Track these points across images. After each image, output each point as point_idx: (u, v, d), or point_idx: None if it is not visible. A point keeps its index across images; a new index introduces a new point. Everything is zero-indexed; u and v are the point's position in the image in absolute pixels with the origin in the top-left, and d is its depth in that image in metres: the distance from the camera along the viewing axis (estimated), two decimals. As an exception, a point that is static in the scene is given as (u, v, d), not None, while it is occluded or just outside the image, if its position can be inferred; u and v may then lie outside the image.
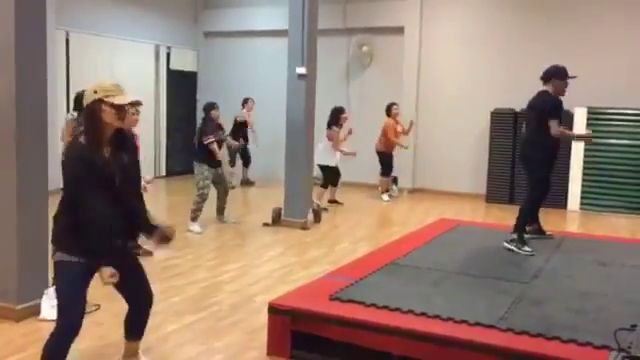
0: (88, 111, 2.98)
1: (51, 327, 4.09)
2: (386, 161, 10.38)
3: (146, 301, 3.33)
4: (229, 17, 12.87)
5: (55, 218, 3.08)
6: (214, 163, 7.52)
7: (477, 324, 3.49)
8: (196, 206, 7.41)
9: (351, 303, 3.85)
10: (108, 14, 10.99)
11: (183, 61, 12.97)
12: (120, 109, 2.97)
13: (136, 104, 3.16)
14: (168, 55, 12.51)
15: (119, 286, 3.18)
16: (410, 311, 3.68)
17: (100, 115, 2.94)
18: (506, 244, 5.55)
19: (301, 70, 7.78)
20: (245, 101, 11.37)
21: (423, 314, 3.64)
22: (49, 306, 4.30)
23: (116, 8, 11.19)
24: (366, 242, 7.14)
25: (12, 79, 4.21)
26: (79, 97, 6.01)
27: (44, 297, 4.34)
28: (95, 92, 2.95)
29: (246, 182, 11.63)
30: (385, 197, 10.35)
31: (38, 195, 4.42)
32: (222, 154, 7.88)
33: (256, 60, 12.67)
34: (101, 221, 2.91)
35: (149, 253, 6.09)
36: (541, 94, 5.64)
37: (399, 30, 11.40)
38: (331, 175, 9.52)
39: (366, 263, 4.96)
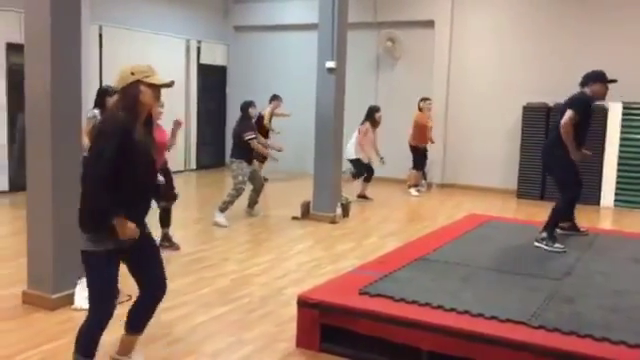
0: (126, 92, 3.01)
1: (83, 316, 4.20)
2: (419, 155, 10.33)
3: (158, 288, 3.24)
4: (259, 11, 12.91)
5: (82, 196, 3.06)
6: (251, 159, 7.60)
7: (508, 320, 3.45)
8: (230, 199, 7.43)
9: (380, 297, 3.84)
10: (140, 9, 11.13)
11: (213, 55, 13.06)
12: (156, 89, 3.04)
13: (170, 85, 3.17)
14: (198, 49, 12.61)
15: (134, 269, 3.19)
16: (440, 306, 3.66)
17: (138, 95, 2.99)
18: (536, 243, 5.43)
19: (331, 64, 7.76)
20: (273, 98, 11.27)
21: (453, 309, 3.61)
22: (82, 296, 4.39)
23: (148, 3, 11.31)
24: (395, 237, 7.11)
25: (48, 73, 4.29)
26: (101, 93, 6.13)
27: (78, 287, 4.42)
28: (132, 73, 3.00)
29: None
30: (413, 191, 10.29)
31: (73, 186, 4.49)
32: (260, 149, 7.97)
33: (285, 54, 12.70)
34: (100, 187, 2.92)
35: (177, 248, 6.16)
36: (576, 93, 5.51)
37: (429, 24, 11.30)
38: (362, 169, 9.52)
39: (395, 258, 4.95)
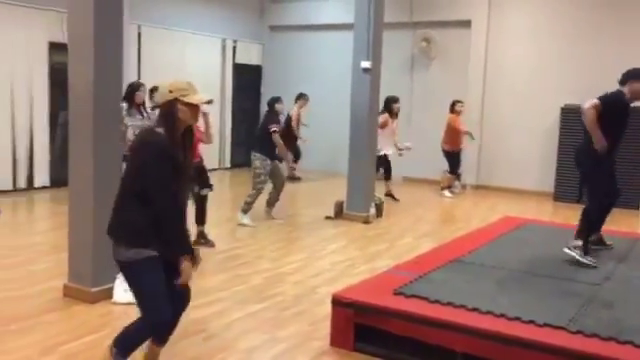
0: (164, 109, 3.03)
1: (123, 310, 4.31)
2: (453, 160, 10.22)
3: (184, 303, 3.23)
4: (294, 11, 12.97)
5: (124, 209, 3.02)
6: (271, 154, 7.42)
7: (546, 325, 3.41)
8: (251, 199, 7.34)
9: (415, 298, 3.83)
10: (178, 9, 11.29)
11: (248, 55, 13.17)
12: (194, 108, 3.03)
13: (209, 103, 3.17)
14: (234, 49, 12.73)
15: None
16: (475, 309, 3.64)
17: (175, 113, 2.99)
18: (567, 250, 4.99)
19: (366, 64, 7.76)
20: (299, 97, 11.31)
21: (489, 312, 3.58)
22: (121, 290, 4.48)
23: (185, 3, 11.47)
24: (429, 238, 7.07)
25: (91, 73, 4.39)
26: (130, 87, 6.27)
27: (117, 281, 4.51)
28: (170, 91, 2.99)
29: (291, 177, 11.20)
30: (447, 193, 10.22)
31: (113, 182, 4.58)
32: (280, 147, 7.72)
33: (320, 54, 12.73)
34: (174, 212, 2.97)
35: (212, 245, 6.23)
36: (612, 92, 5.16)
37: (466, 24, 11.19)
38: (379, 164, 9.28)
39: (430, 259, 4.93)
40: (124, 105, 5.90)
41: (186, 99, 2.99)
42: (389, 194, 9.57)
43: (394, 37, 10.99)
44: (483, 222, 7.50)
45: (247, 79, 13.18)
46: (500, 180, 11.04)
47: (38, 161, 9.17)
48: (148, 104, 6.50)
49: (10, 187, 8.82)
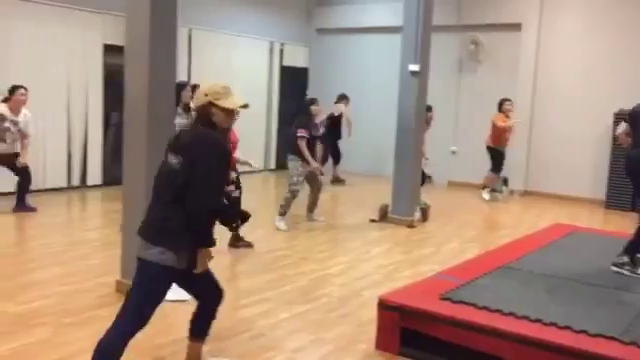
0: (199, 112, 3.07)
1: (171, 306, 4.41)
2: (496, 158, 10.06)
3: (218, 297, 3.30)
4: (341, 14, 13.00)
5: (164, 208, 3.00)
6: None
7: (598, 335, 3.33)
8: (285, 202, 7.27)
9: (462, 304, 3.80)
10: (227, 12, 11.46)
11: (295, 57, 13.27)
12: (229, 112, 3.07)
13: (244, 107, 3.18)
14: (281, 51, 12.85)
15: (188, 284, 3.21)
16: (525, 317, 3.58)
17: (210, 117, 3.03)
18: (615, 268, 4.84)
19: (414, 67, 7.73)
20: (342, 97, 11.30)
21: (538, 320, 3.53)
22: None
23: (235, 6, 11.64)
24: (475, 243, 6.99)
25: (146, 75, 4.51)
26: (177, 87, 6.38)
27: (167, 278, 4.62)
28: (206, 95, 3.03)
29: (336, 180, 11.26)
30: (485, 195, 10.03)
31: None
32: (316, 152, 7.70)
33: (366, 57, 12.72)
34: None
35: (250, 245, 6.28)
36: None
37: (516, 27, 11.01)
38: None
39: (477, 265, 4.88)
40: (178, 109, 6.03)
41: (220, 103, 3.02)
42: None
43: (442, 40, 10.89)
44: (531, 229, 7.37)
45: (293, 81, 13.27)
46: (549, 186, 10.80)
47: (91, 160, 9.45)
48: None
49: (65, 184, 9.11)
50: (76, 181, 9.29)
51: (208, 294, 3.29)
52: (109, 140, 9.78)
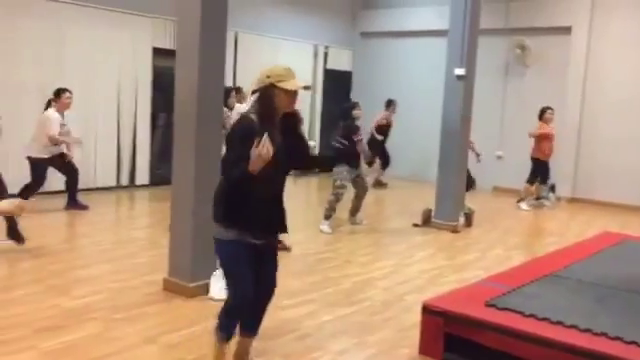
0: (260, 95, 3.10)
1: (219, 306, 4.48)
2: (539, 169, 9.83)
3: (267, 293, 3.31)
4: (386, 17, 12.98)
5: (217, 188, 3.22)
6: (354, 163, 7.40)
7: (650, 347, 3.25)
8: (329, 205, 7.30)
9: (508, 311, 3.75)
10: (272, 15, 11.58)
11: (339, 60, 13.31)
12: (290, 94, 3.09)
13: (306, 89, 3.23)
14: (325, 54, 12.91)
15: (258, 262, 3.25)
16: (573, 326, 3.51)
17: (272, 98, 3.06)
18: None
19: (460, 71, 7.66)
20: (389, 103, 11.33)
21: (588, 330, 3.45)
22: (217, 287, 4.66)
23: (280, 10, 11.75)
24: (521, 250, 6.88)
25: (195, 77, 4.60)
26: (225, 92, 6.48)
27: (213, 278, 4.70)
28: (268, 77, 3.06)
29: (378, 184, 11.22)
30: (523, 206, 9.75)
31: (213, 182, 4.77)
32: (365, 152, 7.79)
33: (411, 61, 12.66)
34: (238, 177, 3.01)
35: (287, 249, 6.28)
36: None
37: (565, 30, 10.80)
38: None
39: (523, 272, 4.80)
40: (225, 110, 6.12)
41: (281, 84, 3.05)
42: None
43: (488, 43, 10.75)
44: (579, 237, 7.21)
45: (337, 84, 13.31)
46: (598, 193, 10.54)
47: (139, 160, 9.68)
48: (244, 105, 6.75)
49: (114, 184, 9.36)
50: (125, 181, 9.52)
51: (267, 282, 3.29)
52: (156, 141, 10.00)
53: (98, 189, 9.00)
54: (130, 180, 9.60)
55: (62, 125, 7.49)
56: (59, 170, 7.72)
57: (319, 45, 12.72)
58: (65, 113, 7.57)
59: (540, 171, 9.83)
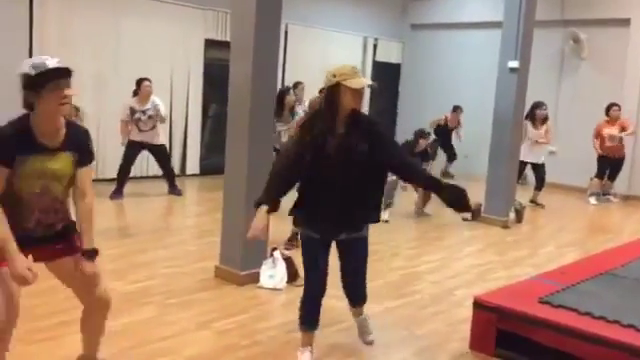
0: (327, 93, 3.18)
1: (268, 294, 4.57)
2: (600, 164, 9.61)
3: (347, 285, 3.60)
4: (437, 9, 12.80)
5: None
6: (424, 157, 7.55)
7: None
8: (386, 194, 7.39)
9: (562, 309, 3.68)
10: (322, 7, 11.58)
11: (388, 53, 13.22)
12: (356, 92, 3.13)
13: (371, 86, 3.28)
14: (375, 47, 12.84)
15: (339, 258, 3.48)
16: (631, 325, 3.42)
17: (338, 97, 3.11)
18: None
19: (513, 64, 7.51)
20: (456, 108, 11.34)
21: (646, 330, 3.37)
22: (267, 275, 4.74)
23: (329, 1, 11.74)
24: (574, 247, 6.73)
25: (249, 69, 4.65)
26: (280, 93, 6.54)
27: (263, 267, 4.77)
28: (334, 76, 3.12)
29: (446, 174, 11.35)
30: (592, 200, 9.64)
31: (265, 172, 4.82)
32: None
33: (462, 53, 12.45)
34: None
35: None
36: None
37: (624, 22, 10.44)
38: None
39: (577, 269, 4.69)
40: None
41: (347, 83, 3.09)
42: (533, 201, 9.21)
43: (542, 35, 10.48)
44: (635, 235, 7.01)
45: (386, 77, 13.22)
46: (655, 191, 10.20)
47: (190, 150, 9.85)
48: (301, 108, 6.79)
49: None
50: (176, 170, 9.68)
51: (347, 272, 3.54)
52: (207, 131, 10.16)
53: (150, 177, 9.20)
54: (181, 169, 9.79)
55: (141, 112, 7.76)
56: (152, 154, 8.22)
57: (368, 37, 12.65)
58: (152, 99, 7.86)
59: (605, 167, 9.61)
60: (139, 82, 7.80)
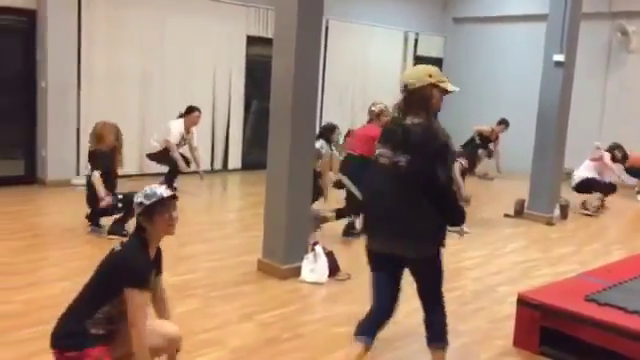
0: (421, 92, 3.02)
1: (309, 288, 4.60)
2: None
3: (425, 305, 3.43)
4: (480, 2, 12.60)
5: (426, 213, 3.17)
6: None
7: None
8: None
9: (609, 307, 3.61)
10: (362, 2, 11.52)
11: (430, 47, 13.08)
12: (444, 95, 3.09)
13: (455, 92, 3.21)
14: (416, 41, 12.73)
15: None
16: (680, 325, 3.34)
17: (431, 98, 3.03)
18: None
19: (559, 57, 7.36)
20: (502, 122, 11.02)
21: (697, 330, 3.28)
22: (308, 270, 4.78)
23: (370, -4, 11.69)
24: (621, 245, 6.57)
25: (292, 65, 4.69)
26: (329, 128, 6.52)
27: (304, 261, 4.82)
28: (430, 76, 3.04)
29: (484, 176, 10.94)
30: None
31: (306, 168, 4.89)
32: None
33: (506, 47, 12.22)
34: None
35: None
36: None
37: (675, 13, 10.12)
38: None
39: (624, 267, 4.60)
40: (321, 143, 6.16)
41: (443, 85, 3.05)
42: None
43: (588, 28, 10.19)
44: (685, 233, 6.81)
45: (427, 72, 13.09)
46: None
47: (232, 146, 9.97)
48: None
49: (208, 168, 9.69)
50: (218, 165, 9.85)
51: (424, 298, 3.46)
52: (249, 127, 10.27)
53: (192, 173, 9.34)
54: (223, 164, 9.92)
55: (184, 139, 7.78)
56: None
57: (409, 32, 12.55)
58: (193, 129, 7.86)
59: None
60: (190, 110, 7.82)
